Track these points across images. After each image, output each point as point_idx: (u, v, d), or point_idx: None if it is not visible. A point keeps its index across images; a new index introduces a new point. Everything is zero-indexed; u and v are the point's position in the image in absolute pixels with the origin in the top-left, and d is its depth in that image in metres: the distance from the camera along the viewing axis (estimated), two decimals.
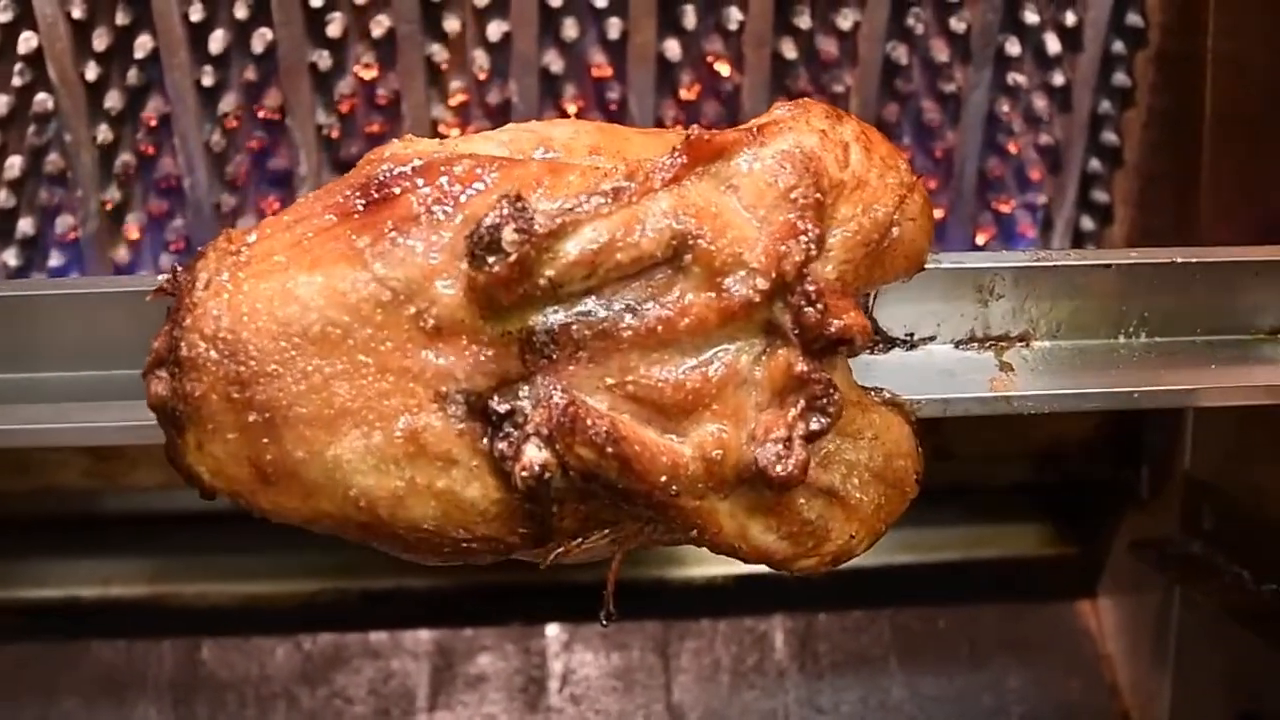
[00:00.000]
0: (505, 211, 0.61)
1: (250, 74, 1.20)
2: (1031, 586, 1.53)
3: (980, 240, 1.34)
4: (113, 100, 1.19)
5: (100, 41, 1.16)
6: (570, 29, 1.21)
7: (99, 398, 0.81)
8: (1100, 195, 1.33)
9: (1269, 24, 1.14)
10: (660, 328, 0.64)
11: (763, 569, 0.73)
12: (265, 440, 0.64)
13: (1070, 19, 1.25)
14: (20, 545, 1.46)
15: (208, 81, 1.20)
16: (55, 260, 1.24)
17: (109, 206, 1.23)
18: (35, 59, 1.16)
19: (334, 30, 1.19)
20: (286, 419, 0.64)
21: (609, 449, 0.63)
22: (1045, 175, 1.32)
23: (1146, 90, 1.29)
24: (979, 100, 1.27)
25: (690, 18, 1.22)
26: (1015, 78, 1.27)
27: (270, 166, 1.25)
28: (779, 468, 0.64)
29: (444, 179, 0.65)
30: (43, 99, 1.18)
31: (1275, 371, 0.86)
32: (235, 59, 1.20)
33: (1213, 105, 1.22)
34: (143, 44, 1.18)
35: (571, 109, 1.25)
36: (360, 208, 0.66)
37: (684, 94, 1.26)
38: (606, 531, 0.69)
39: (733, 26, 1.22)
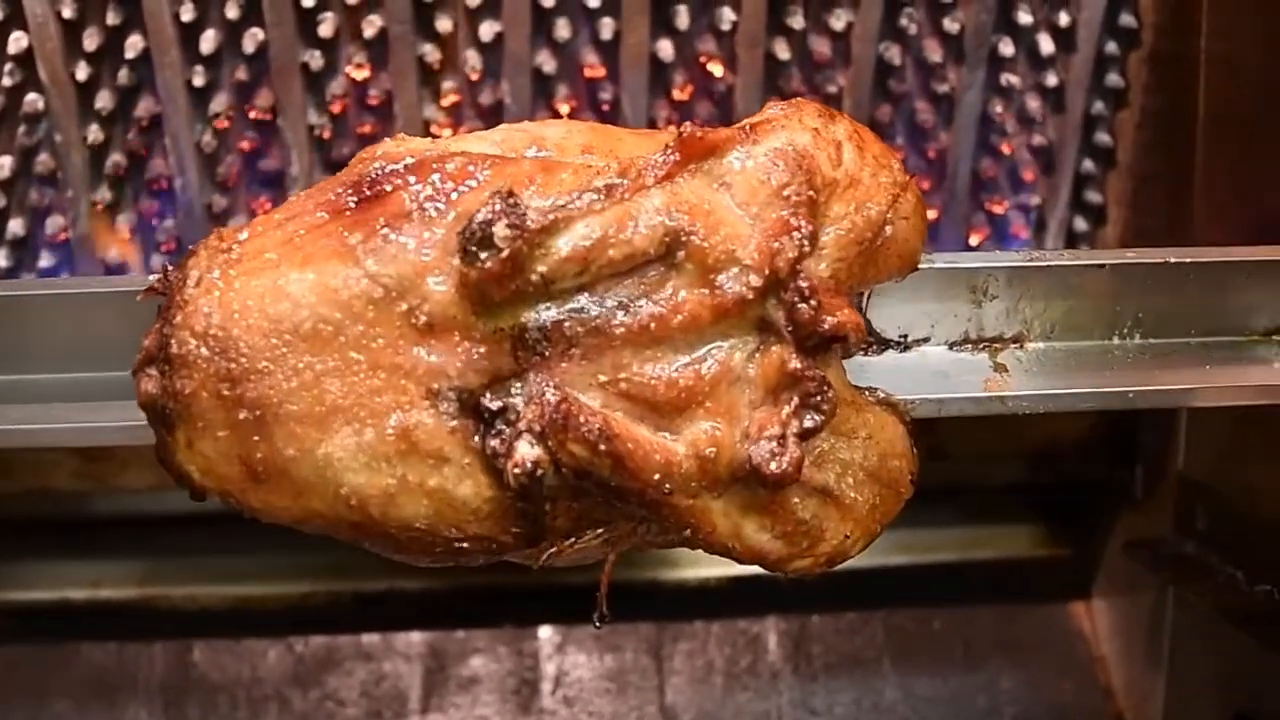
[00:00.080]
0: (498, 207, 0.61)
1: (242, 74, 1.20)
2: (1025, 587, 1.53)
3: (973, 241, 1.34)
4: (103, 100, 1.18)
5: (91, 41, 1.16)
6: (563, 29, 1.21)
7: (89, 398, 0.80)
8: (1093, 196, 1.33)
9: (1262, 24, 1.14)
10: (653, 325, 0.64)
11: (756, 570, 0.73)
12: (256, 438, 0.64)
13: (1063, 19, 1.25)
14: (10, 547, 1.46)
15: (199, 81, 1.19)
16: (46, 261, 1.23)
17: (100, 207, 1.22)
18: (25, 59, 1.16)
19: (326, 30, 1.19)
20: (277, 416, 0.63)
21: (602, 446, 0.63)
22: (1038, 176, 1.32)
23: (1140, 91, 1.29)
24: (972, 101, 1.27)
25: (683, 18, 1.21)
26: (1008, 78, 1.27)
27: (262, 167, 1.25)
28: (773, 465, 0.64)
29: (436, 176, 0.65)
30: (33, 99, 1.17)
31: (1269, 372, 0.86)
32: (227, 59, 1.20)
33: (1206, 106, 1.22)
34: (134, 44, 1.18)
35: (564, 109, 1.24)
36: (352, 205, 0.65)
37: (677, 94, 1.25)
38: (600, 531, 0.68)
39: (726, 27, 1.21)
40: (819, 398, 0.65)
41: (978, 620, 1.52)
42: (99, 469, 1.36)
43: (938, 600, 1.52)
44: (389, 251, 0.63)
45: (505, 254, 0.61)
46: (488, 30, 1.21)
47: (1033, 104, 1.28)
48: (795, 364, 0.65)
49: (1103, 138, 1.30)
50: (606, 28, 1.21)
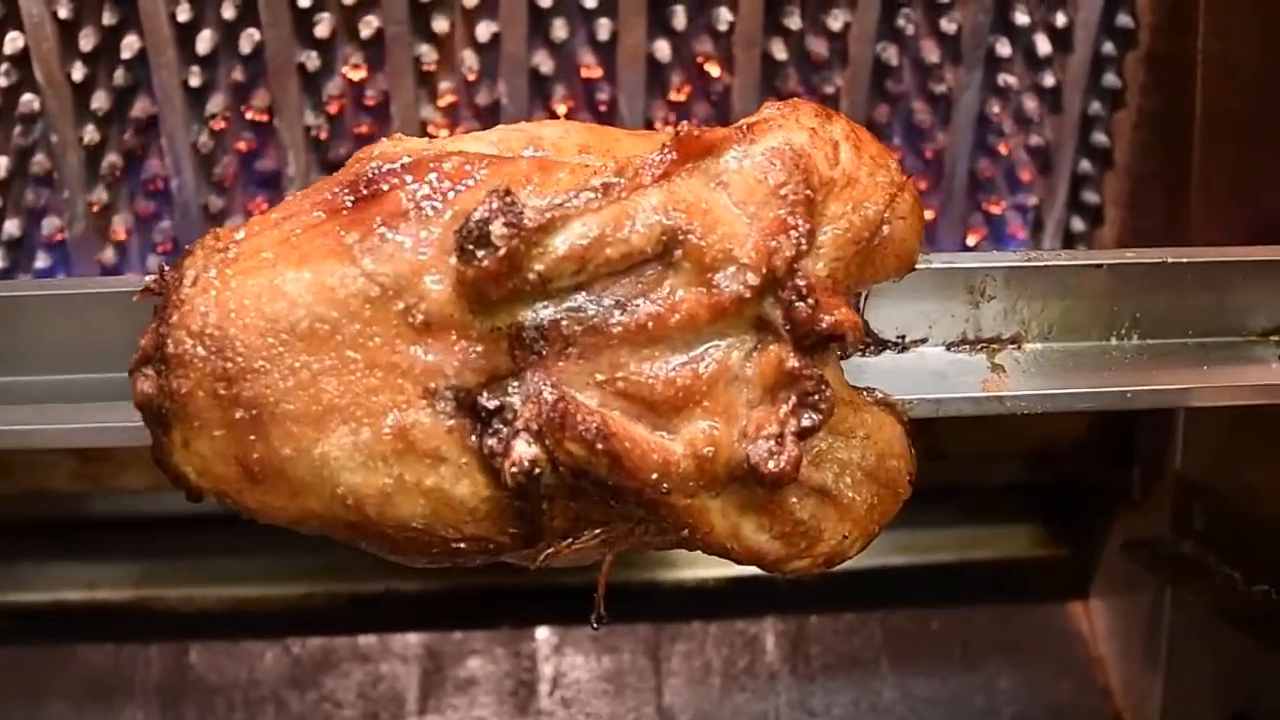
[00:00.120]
0: (495, 206, 0.61)
1: (238, 74, 1.20)
2: (1023, 588, 1.53)
3: (971, 241, 1.34)
4: (99, 101, 1.18)
5: (87, 41, 1.16)
6: (560, 30, 1.21)
7: (86, 399, 0.80)
8: (1090, 196, 1.33)
9: (1259, 25, 1.14)
10: (650, 324, 0.64)
11: (754, 571, 0.73)
12: (252, 437, 0.64)
13: (1061, 20, 1.25)
14: (7, 548, 1.46)
15: (195, 82, 1.19)
16: (42, 262, 1.23)
17: (96, 208, 1.22)
18: (21, 59, 1.16)
19: (322, 31, 1.19)
20: (274, 416, 0.63)
21: (599, 445, 0.63)
22: (1036, 176, 1.32)
23: (1137, 91, 1.29)
24: (969, 101, 1.27)
25: (680, 18, 1.21)
26: (1006, 79, 1.27)
27: (258, 168, 1.25)
28: (771, 464, 0.64)
29: (433, 175, 0.65)
30: (29, 99, 1.17)
31: (1267, 372, 0.86)
32: (223, 59, 1.20)
33: (1203, 106, 1.22)
34: (130, 44, 1.17)
35: (561, 110, 1.24)
36: (349, 204, 0.65)
37: (674, 95, 1.25)
38: (597, 531, 0.68)
39: (723, 27, 1.21)
40: (817, 396, 0.65)
41: (976, 620, 1.52)
42: (96, 470, 1.36)
43: (936, 600, 1.52)
44: (386, 250, 0.63)
45: (502, 252, 0.61)
46: (484, 31, 1.21)
47: (1030, 104, 1.28)
48: (793, 363, 0.65)
49: (1100, 138, 1.30)
50: (603, 28, 1.21)
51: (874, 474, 0.72)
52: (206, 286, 0.64)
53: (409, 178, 0.65)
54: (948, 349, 0.82)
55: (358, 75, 1.22)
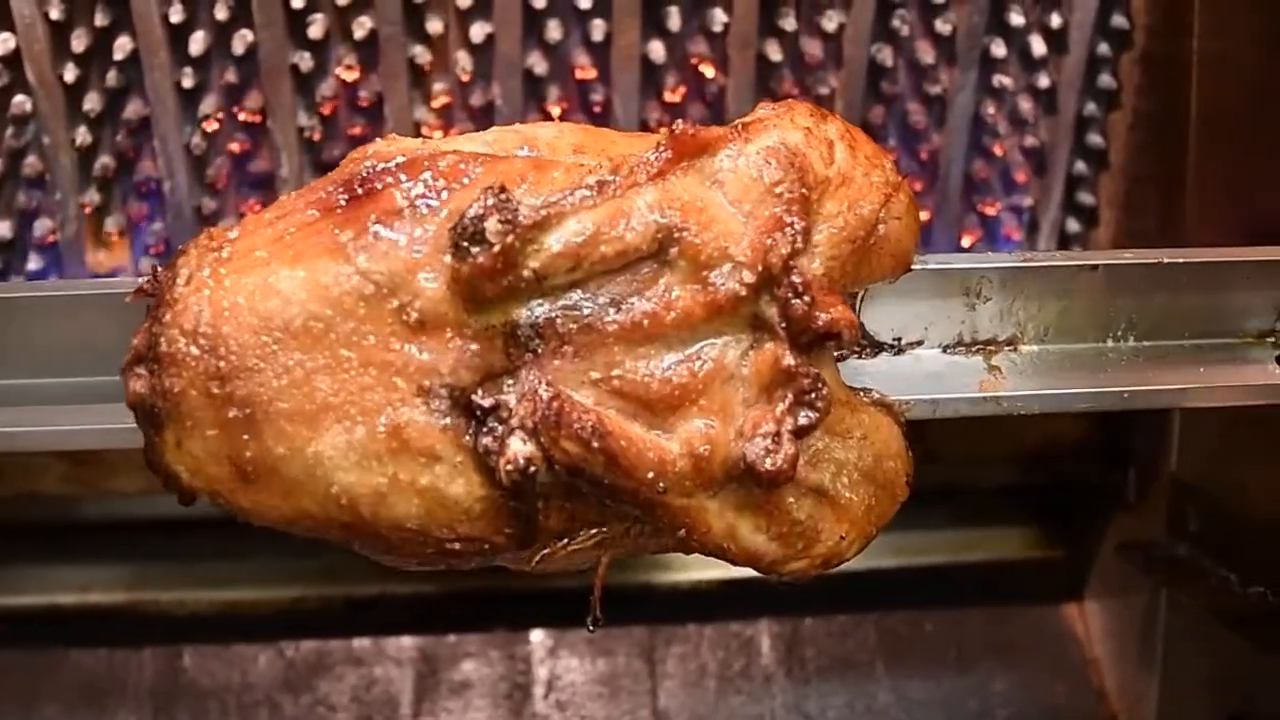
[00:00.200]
0: (490, 202, 0.61)
1: (231, 76, 1.20)
2: (1018, 590, 1.53)
3: (965, 243, 1.33)
4: (92, 102, 1.18)
5: (79, 43, 1.15)
6: (554, 30, 1.21)
7: (78, 401, 0.80)
8: (1085, 197, 1.33)
9: (1254, 25, 1.14)
10: (646, 322, 0.64)
11: (748, 573, 0.72)
12: (245, 436, 0.63)
13: (1055, 21, 1.25)
14: None
15: (188, 83, 1.19)
16: (34, 264, 1.22)
17: (88, 209, 1.22)
18: (13, 60, 1.15)
19: (315, 31, 1.18)
20: (267, 414, 0.63)
21: (595, 443, 0.63)
22: (1030, 177, 1.32)
23: (1132, 92, 1.29)
24: (964, 102, 1.27)
25: (675, 19, 1.21)
26: (1000, 80, 1.27)
27: (251, 169, 1.24)
28: (768, 462, 0.64)
29: (428, 174, 0.65)
30: (20, 101, 1.17)
31: (1263, 373, 0.86)
32: (216, 60, 1.20)
33: (1198, 107, 1.22)
34: (122, 45, 1.17)
35: (556, 111, 1.24)
36: (343, 203, 0.65)
37: (669, 96, 1.25)
38: (593, 532, 0.68)
39: (717, 28, 1.21)
40: (813, 395, 0.65)
41: (970, 622, 1.52)
42: (88, 473, 1.36)
43: (930, 603, 1.52)
44: (380, 248, 0.63)
45: (497, 249, 0.61)
46: (479, 31, 1.20)
47: (1025, 105, 1.28)
48: (789, 360, 0.65)
49: (1095, 139, 1.30)
50: (598, 29, 1.21)
51: (871, 475, 0.71)
52: (200, 285, 0.64)
53: (403, 176, 0.65)
54: (944, 351, 0.82)
55: (351, 76, 1.22)
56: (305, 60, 1.20)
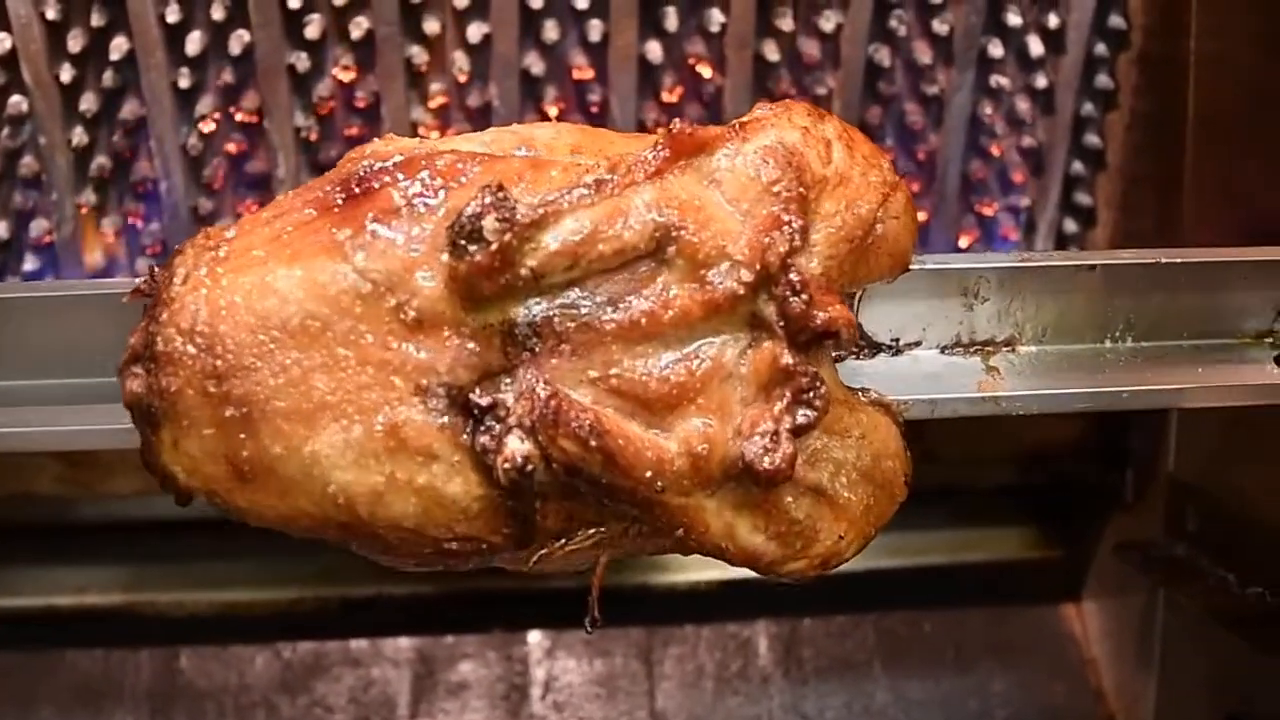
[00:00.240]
0: (487, 201, 0.61)
1: (228, 76, 1.19)
2: (1016, 590, 1.53)
3: (963, 243, 1.33)
4: (88, 102, 1.17)
5: (75, 43, 1.15)
6: (551, 31, 1.20)
7: (74, 402, 0.79)
8: (1083, 198, 1.33)
9: (1252, 25, 1.14)
10: (644, 320, 0.64)
11: (746, 574, 0.72)
12: (242, 435, 0.63)
13: (1053, 21, 1.25)
14: None
15: (184, 83, 1.19)
16: (30, 264, 1.22)
17: (84, 210, 1.21)
18: (9, 60, 1.15)
19: (312, 32, 1.18)
20: (264, 413, 0.63)
21: (593, 442, 0.62)
22: (1028, 178, 1.32)
23: (1129, 92, 1.29)
24: (962, 102, 1.27)
25: (672, 19, 1.21)
26: (998, 80, 1.27)
27: (248, 169, 1.24)
28: (766, 461, 0.63)
29: (425, 173, 0.64)
30: (17, 101, 1.17)
31: (1261, 373, 0.86)
32: (212, 61, 1.19)
33: (1195, 107, 1.22)
34: (118, 45, 1.17)
35: (553, 112, 1.24)
36: (340, 202, 0.65)
37: (666, 96, 1.25)
38: (591, 532, 0.68)
39: (715, 28, 1.21)
40: (811, 393, 0.65)
41: (968, 623, 1.51)
42: (84, 475, 1.35)
43: (928, 603, 1.52)
44: (377, 247, 0.63)
45: (494, 247, 0.61)
46: (475, 32, 1.20)
47: (1022, 106, 1.28)
48: (787, 359, 0.65)
49: (1092, 139, 1.30)
50: (595, 29, 1.21)
51: (870, 474, 0.71)
52: (197, 284, 0.64)
53: (401, 175, 0.65)
54: (942, 352, 0.82)
55: (348, 77, 1.22)
56: (302, 60, 1.19)
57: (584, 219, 0.63)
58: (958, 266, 0.81)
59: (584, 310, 0.64)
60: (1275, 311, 0.86)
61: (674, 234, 0.64)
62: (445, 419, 0.63)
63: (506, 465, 0.62)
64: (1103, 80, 1.28)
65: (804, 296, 0.64)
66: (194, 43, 1.17)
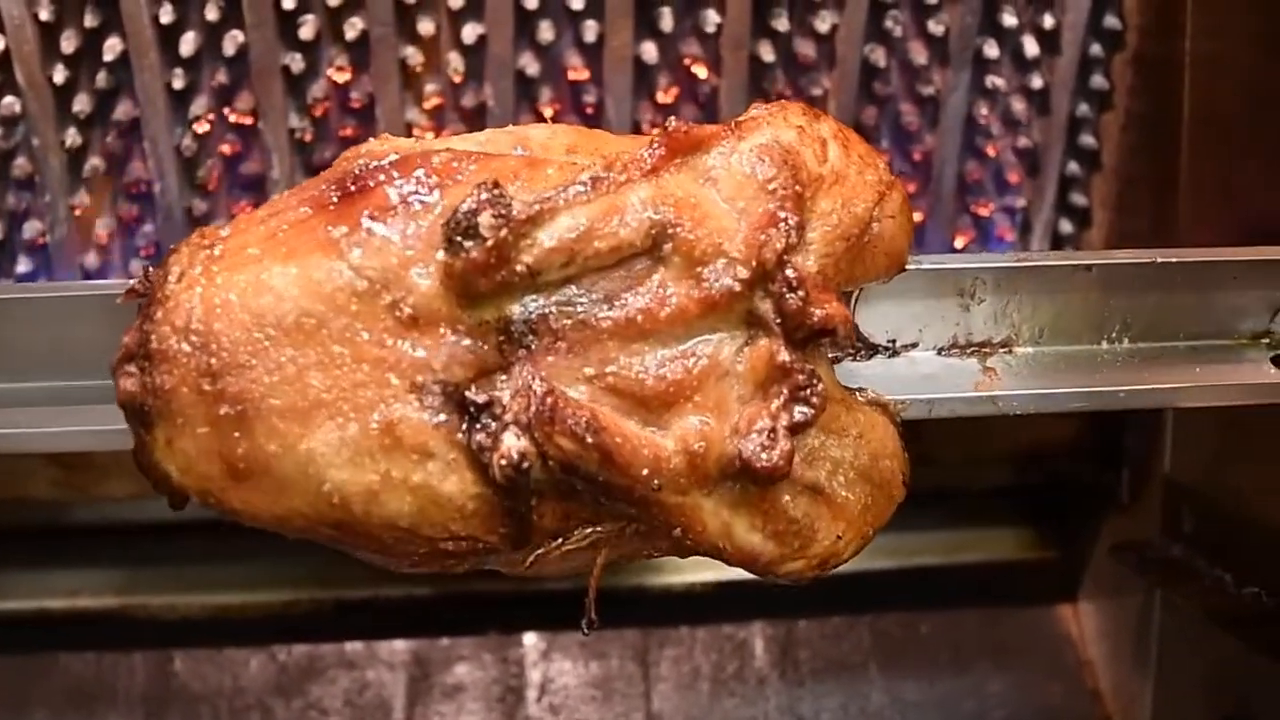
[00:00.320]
0: (483, 197, 0.61)
1: (222, 77, 1.19)
2: (1012, 591, 1.53)
3: (959, 244, 1.33)
4: (81, 103, 1.17)
5: (68, 44, 1.15)
6: (546, 31, 1.20)
7: (67, 404, 0.79)
8: (1079, 198, 1.33)
9: (1248, 25, 1.14)
10: (640, 318, 0.63)
11: (742, 575, 0.72)
12: (237, 434, 0.63)
13: (1048, 21, 1.25)
14: None
15: (178, 84, 1.18)
16: (23, 266, 1.22)
17: (78, 211, 1.21)
18: (2, 62, 1.15)
19: (307, 32, 1.18)
20: (259, 411, 0.62)
21: (589, 439, 0.62)
22: (1024, 178, 1.32)
23: (1125, 93, 1.29)
24: (957, 103, 1.27)
25: (667, 20, 1.21)
26: (993, 80, 1.27)
27: (242, 171, 1.24)
28: (763, 458, 0.63)
29: (421, 171, 0.64)
30: (10, 102, 1.16)
31: (1258, 373, 0.86)
32: (206, 61, 1.19)
33: (1191, 108, 1.22)
34: (112, 46, 1.16)
35: (548, 112, 1.24)
36: (336, 199, 0.65)
37: (661, 97, 1.25)
38: (588, 531, 0.68)
39: (710, 29, 1.21)
40: (808, 391, 0.65)
41: (965, 624, 1.51)
42: (78, 478, 1.35)
43: (924, 604, 1.52)
44: (373, 244, 0.63)
45: (490, 243, 0.61)
46: (470, 32, 1.20)
47: (1018, 106, 1.28)
48: (784, 357, 0.65)
49: (1088, 140, 1.30)
50: (590, 30, 1.21)
51: (867, 474, 0.71)
52: (192, 283, 0.64)
53: (396, 173, 0.64)
54: (939, 353, 0.82)
55: (343, 77, 1.22)
56: (296, 61, 1.19)
57: (580, 216, 0.63)
58: (954, 267, 0.81)
59: (580, 307, 0.64)
60: (1271, 312, 0.86)
61: (670, 231, 0.64)
62: (441, 417, 0.63)
63: (502, 462, 0.62)
64: (1098, 81, 1.28)
65: (800, 294, 0.64)
66: (188, 44, 1.17)
